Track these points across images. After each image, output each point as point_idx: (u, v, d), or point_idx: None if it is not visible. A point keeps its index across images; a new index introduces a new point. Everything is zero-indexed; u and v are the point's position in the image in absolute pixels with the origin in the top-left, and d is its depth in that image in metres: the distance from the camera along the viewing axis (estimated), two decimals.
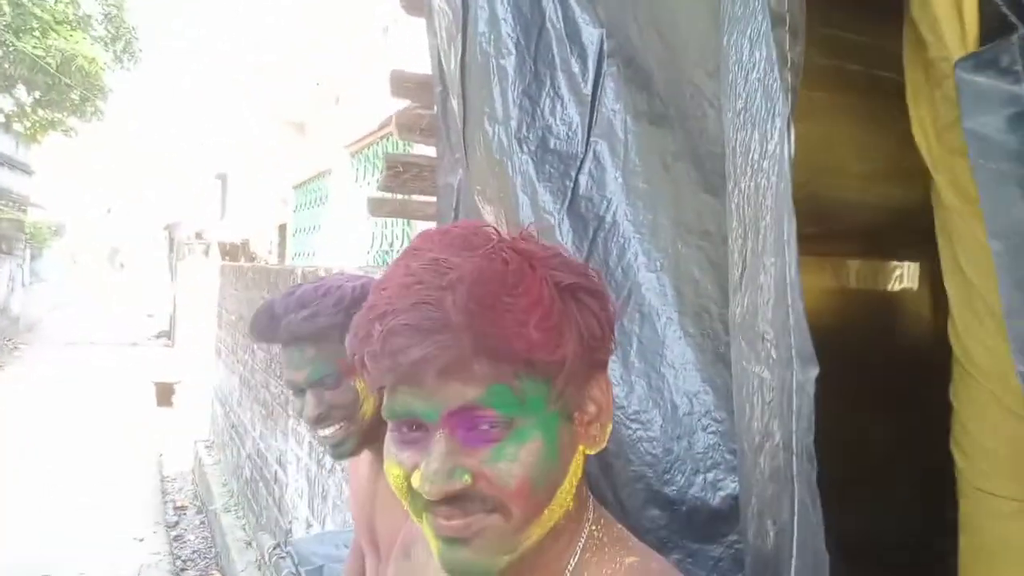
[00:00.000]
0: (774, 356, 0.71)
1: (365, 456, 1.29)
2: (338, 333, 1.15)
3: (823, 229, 2.29)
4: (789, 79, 0.61)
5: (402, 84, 2.05)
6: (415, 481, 0.60)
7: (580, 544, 0.67)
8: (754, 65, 0.75)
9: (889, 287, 2.12)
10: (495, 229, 0.65)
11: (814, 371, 0.60)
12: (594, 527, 0.68)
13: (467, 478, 0.59)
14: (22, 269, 18.30)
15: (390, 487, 1.15)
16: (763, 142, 0.74)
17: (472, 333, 0.56)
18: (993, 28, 0.65)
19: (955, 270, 0.74)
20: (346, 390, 1.15)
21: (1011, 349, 0.53)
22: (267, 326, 1.15)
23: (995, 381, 0.72)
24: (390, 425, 0.63)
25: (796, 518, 0.65)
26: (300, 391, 1.16)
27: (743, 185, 0.79)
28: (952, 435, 0.81)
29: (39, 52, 11.87)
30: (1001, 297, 0.55)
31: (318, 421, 1.15)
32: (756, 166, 0.75)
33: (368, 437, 1.19)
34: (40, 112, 13.68)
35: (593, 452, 0.66)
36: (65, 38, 12.21)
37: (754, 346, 0.75)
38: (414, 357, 0.56)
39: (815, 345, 0.60)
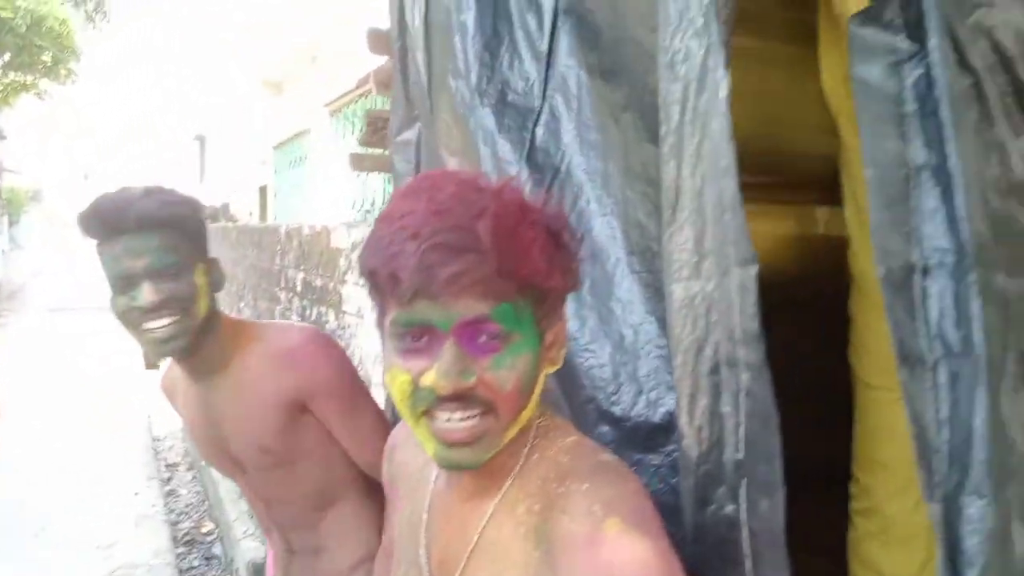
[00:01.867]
0: (712, 268, 0.82)
1: (182, 376, 1.29)
2: (187, 224, 1.17)
3: (783, 179, 2.40)
4: (722, 33, 0.71)
5: (379, 41, 2.11)
6: (428, 379, 0.70)
7: (532, 433, 0.80)
8: (684, 23, 0.85)
9: (841, 232, 2.24)
10: (487, 176, 0.77)
11: (754, 268, 0.70)
12: (540, 419, 0.81)
13: (472, 379, 0.69)
14: (1, 236, 18.11)
15: (235, 402, 1.25)
16: (698, 91, 0.84)
17: (498, 255, 0.67)
18: None
19: (851, 199, 0.85)
20: (186, 283, 1.14)
21: (874, 257, 0.64)
22: (113, 212, 1.11)
23: (879, 292, 0.84)
24: (393, 337, 0.72)
25: (741, 391, 0.76)
26: (131, 282, 1.12)
27: (674, 129, 0.88)
28: (850, 342, 0.93)
29: (7, 14, 11.58)
30: (871, 215, 0.65)
31: (152, 310, 1.11)
32: (689, 113, 0.85)
33: (198, 340, 1.17)
34: (11, 75, 13.40)
35: (552, 371, 0.79)
36: None
37: (689, 265, 0.86)
38: (452, 271, 0.66)
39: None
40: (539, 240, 0.71)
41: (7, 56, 12.87)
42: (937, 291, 0.60)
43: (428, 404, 0.71)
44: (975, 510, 0.55)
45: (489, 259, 0.66)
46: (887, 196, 0.64)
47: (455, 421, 0.71)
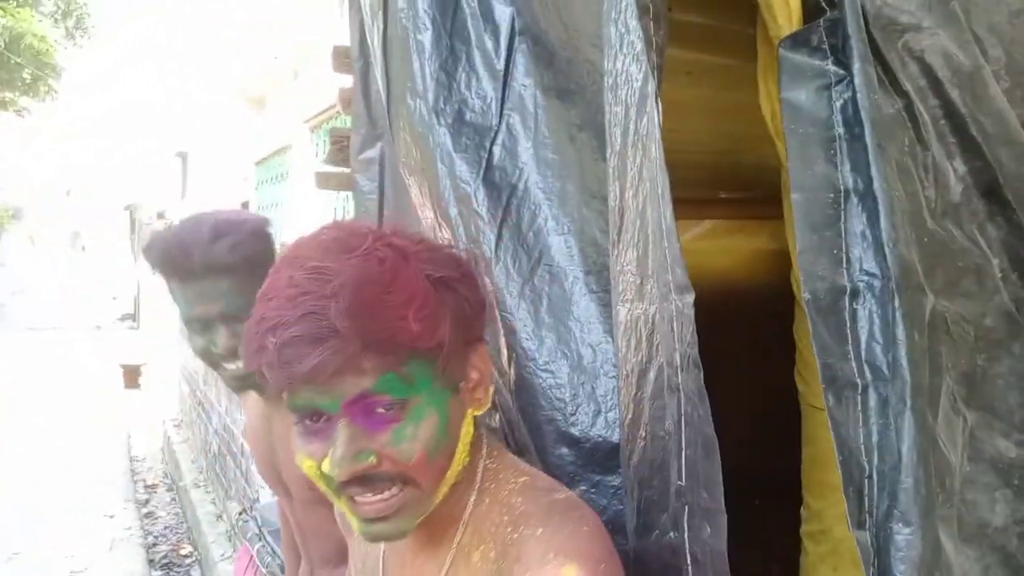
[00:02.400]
0: (654, 292, 0.82)
1: (255, 394, 1.30)
2: (256, 261, 1.14)
3: (758, 193, 2.41)
4: (655, 59, 0.71)
5: (344, 59, 2.10)
6: (325, 467, 0.67)
7: (478, 478, 0.77)
8: (625, 47, 0.85)
9: None
10: (367, 227, 0.73)
11: (690, 297, 0.70)
12: (488, 461, 0.79)
13: (372, 459, 0.67)
14: None
15: (287, 423, 1.25)
16: (638, 115, 0.84)
17: (359, 335, 0.63)
18: (811, 11, 0.75)
19: (790, 223, 0.85)
20: None
21: (800, 279, 0.63)
22: (182, 257, 1.11)
23: None
24: (295, 420, 0.70)
25: (683, 418, 0.76)
26: (206, 326, 1.14)
27: (618, 151, 0.89)
28: (796, 366, 0.93)
29: None
30: (797, 238, 0.65)
31: (231, 355, 1.13)
32: (631, 136, 0.85)
33: None
34: None
35: (479, 413, 0.76)
36: (12, 15, 11.86)
37: (633, 287, 0.86)
38: (309, 365, 0.63)
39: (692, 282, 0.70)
40: (415, 299, 0.67)
41: None
42: (866, 315, 0.60)
43: (336, 487, 0.69)
44: (902, 538, 0.54)
45: (351, 341, 0.63)
46: (814, 220, 0.63)
47: (369, 499, 0.69)
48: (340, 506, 0.73)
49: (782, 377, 1.65)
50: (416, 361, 0.67)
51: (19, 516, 4.83)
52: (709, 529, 0.68)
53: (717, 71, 1.82)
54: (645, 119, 0.81)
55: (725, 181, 2.10)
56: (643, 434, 0.81)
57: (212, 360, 1.16)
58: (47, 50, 12.61)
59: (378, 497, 0.69)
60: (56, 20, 13.55)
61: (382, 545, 0.85)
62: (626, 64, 0.80)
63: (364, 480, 0.68)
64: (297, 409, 0.69)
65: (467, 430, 0.75)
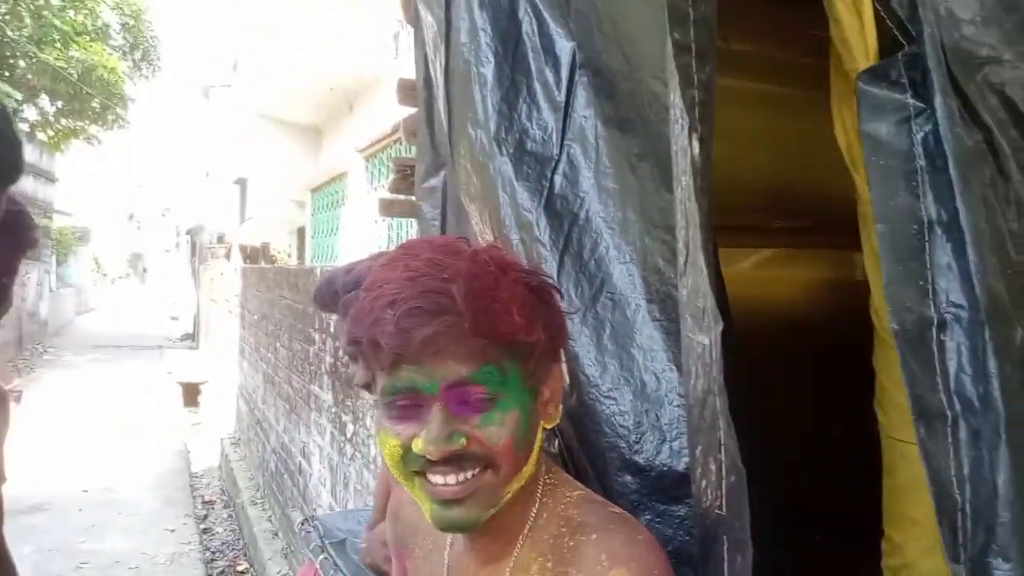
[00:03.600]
0: (711, 321, 0.82)
1: None
2: None
3: (817, 222, 2.37)
4: (696, 96, 0.71)
5: (408, 91, 2.17)
6: (417, 445, 0.71)
7: (539, 492, 0.80)
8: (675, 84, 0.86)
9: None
10: (465, 240, 0.79)
11: (718, 327, 0.70)
12: (547, 476, 0.82)
13: (463, 440, 0.71)
14: (49, 275, 18.74)
15: None
16: (685, 150, 0.85)
17: (472, 315, 0.68)
18: (887, 46, 0.75)
19: (871, 254, 0.84)
20: None
21: (889, 311, 0.63)
22: (328, 299, 1.28)
23: None
24: (382, 404, 0.74)
25: (723, 447, 0.76)
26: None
27: (682, 184, 0.90)
28: (876, 396, 0.92)
29: (61, 63, 12.15)
30: (883, 269, 0.65)
31: None
32: (683, 169, 0.86)
33: None
34: (63, 121, 13.99)
35: (549, 427, 0.80)
36: (85, 49, 12.48)
37: (696, 318, 0.86)
38: (426, 334, 0.67)
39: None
40: (517, 298, 0.72)
41: (59, 103, 13.48)
42: (954, 346, 0.59)
43: (420, 466, 0.72)
44: (1001, 573, 0.53)
45: (464, 319, 0.68)
46: (899, 251, 0.63)
47: (448, 481, 0.72)
48: (413, 491, 0.76)
49: (843, 408, 1.62)
50: (511, 359, 0.72)
51: (86, 528, 5.00)
52: (740, 560, 0.68)
53: (774, 100, 1.81)
54: (688, 152, 0.82)
55: (783, 210, 2.08)
56: (702, 464, 0.81)
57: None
58: (116, 81, 13.23)
59: (458, 478, 0.72)
60: (124, 53, 14.22)
61: (445, 560, 0.87)
62: (676, 98, 0.81)
63: (450, 459, 0.71)
64: (395, 390, 0.72)
65: (540, 438, 0.78)
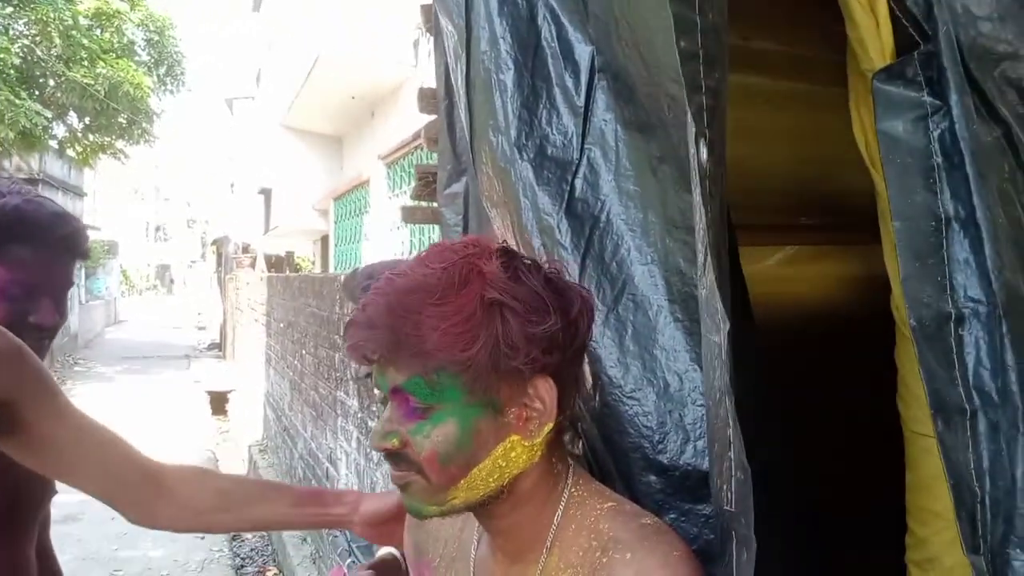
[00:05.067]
0: (720, 324, 0.83)
1: None
2: None
3: (843, 219, 2.36)
4: (704, 101, 0.73)
5: (429, 100, 2.20)
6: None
7: (562, 504, 0.81)
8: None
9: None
10: (481, 245, 0.79)
11: (725, 327, 0.72)
12: (574, 489, 0.83)
13: (395, 441, 0.76)
14: (79, 288, 19.09)
15: None
16: (694, 155, 0.86)
17: (391, 331, 0.73)
18: (903, 45, 0.76)
19: (890, 250, 0.85)
20: None
21: (906, 306, 0.64)
22: (353, 290, 1.29)
23: None
24: (378, 396, 0.82)
25: (731, 445, 0.77)
26: None
27: (696, 186, 0.91)
28: (898, 390, 0.92)
29: (88, 80, 12.41)
30: (900, 266, 0.66)
31: None
32: (699, 171, 0.87)
33: None
34: (91, 137, 14.28)
35: (527, 444, 0.77)
36: (111, 66, 12.73)
37: (713, 318, 0.87)
38: (349, 345, 0.76)
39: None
40: (455, 315, 0.72)
41: (87, 120, 13.76)
42: (972, 341, 0.59)
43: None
44: (1021, 563, 0.53)
45: (383, 334, 0.73)
46: (917, 247, 0.64)
47: (393, 471, 0.79)
48: None
49: (868, 403, 1.61)
50: (445, 372, 0.73)
51: (119, 536, 5.08)
52: (746, 557, 0.68)
53: (796, 97, 1.81)
54: (702, 155, 0.83)
55: (806, 207, 2.07)
56: (718, 463, 0.82)
57: None
58: (142, 96, 13.48)
59: (396, 472, 0.79)
60: (150, 68, 14.49)
61: (471, 564, 0.89)
62: (686, 103, 0.83)
63: (390, 456, 0.78)
64: (375, 385, 0.80)
65: (505, 452, 0.77)
